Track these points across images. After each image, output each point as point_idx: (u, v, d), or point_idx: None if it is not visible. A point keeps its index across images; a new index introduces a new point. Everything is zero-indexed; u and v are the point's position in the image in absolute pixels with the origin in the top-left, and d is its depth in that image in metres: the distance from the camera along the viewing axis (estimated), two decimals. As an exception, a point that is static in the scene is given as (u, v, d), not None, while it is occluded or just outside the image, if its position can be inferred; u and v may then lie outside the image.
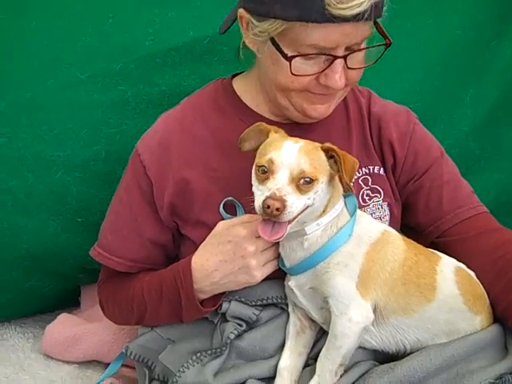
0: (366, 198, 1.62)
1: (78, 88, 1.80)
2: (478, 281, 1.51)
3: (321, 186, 1.35)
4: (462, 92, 2.16)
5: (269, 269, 1.47)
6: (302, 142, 1.36)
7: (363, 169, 1.62)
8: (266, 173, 1.33)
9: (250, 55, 1.59)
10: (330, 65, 1.44)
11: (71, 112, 1.81)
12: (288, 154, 1.33)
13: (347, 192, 1.45)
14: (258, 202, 1.31)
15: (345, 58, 1.44)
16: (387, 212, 1.63)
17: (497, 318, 1.51)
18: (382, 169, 1.64)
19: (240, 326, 1.51)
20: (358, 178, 1.62)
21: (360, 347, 1.45)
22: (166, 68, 1.87)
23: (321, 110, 1.52)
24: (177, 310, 1.52)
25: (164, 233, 1.60)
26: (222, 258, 1.45)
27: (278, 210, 1.28)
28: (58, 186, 1.84)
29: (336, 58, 1.43)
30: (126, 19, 1.82)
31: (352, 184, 1.50)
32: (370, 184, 1.63)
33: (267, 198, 1.29)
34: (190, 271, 1.47)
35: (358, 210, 1.46)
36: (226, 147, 1.57)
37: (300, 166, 1.32)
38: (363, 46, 1.47)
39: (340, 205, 1.43)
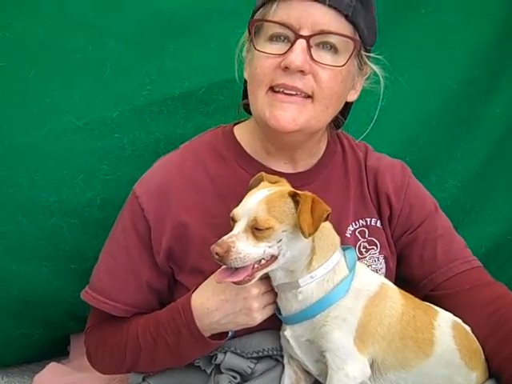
0: (363, 250, 1.68)
1: (75, 135, 1.90)
2: (473, 336, 1.57)
3: (284, 234, 1.40)
4: (454, 146, 2.30)
5: (268, 311, 1.52)
6: (272, 191, 1.43)
7: (360, 221, 1.69)
8: (233, 222, 1.42)
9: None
10: (292, 45, 1.52)
11: (67, 158, 1.90)
12: (250, 203, 1.41)
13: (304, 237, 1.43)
14: None
15: (307, 40, 1.52)
16: (383, 265, 1.70)
17: (491, 372, 1.56)
18: (378, 221, 1.71)
19: (234, 378, 1.55)
20: (355, 229, 1.68)
21: None
22: (162, 116, 1.98)
23: (281, 119, 1.54)
24: (174, 351, 1.56)
25: (160, 278, 1.64)
26: (224, 297, 1.49)
27: (217, 254, 1.36)
28: (52, 232, 1.91)
29: (298, 37, 1.51)
30: (123, 69, 1.94)
31: (349, 235, 1.65)
32: (366, 236, 1.69)
33: (215, 243, 1.38)
34: (190, 309, 1.52)
35: (357, 262, 1.52)
36: (225, 194, 1.62)
37: (256, 213, 1.39)
38: (333, 40, 1.55)
39: (335, 258, 1.48)
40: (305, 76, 1.53)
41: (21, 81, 1.85)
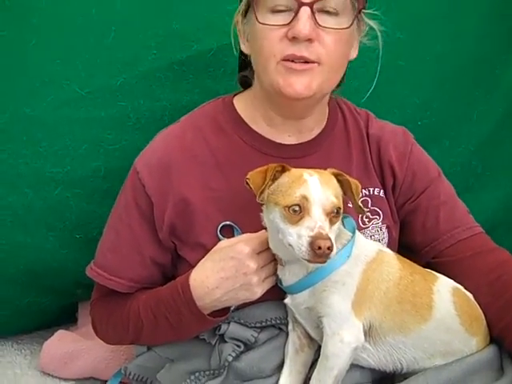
0: (366, 220, 1.73)
1: (78, 104, 1.95)
2: (475, 302, 1.63)
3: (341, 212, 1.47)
4: (470, 109, 2.30)
5: (268, 284, 1.59)
6: (316, 174, 1.46)
7: (363, 190, 1.73)
8: (298, 212, 1.41)
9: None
10: (296, 14, 1.56)
11: (71, 128, 1.97)
12: (315, 189, 1.42)
13: (360, 213, 1.60)
14: (301, 246, 1.39)
15: (311, 6, 1.56)
16: (386, 234, 1.75)
17: (493, 338, 1.63)
18: (381, 191, 1.77)
19: (238, 347, 1.62)
20: (359, 199, 1.72)
21: (358, 367, 1.57)
22: (168, 82, 2.03)
23: (296, 86, 1.59)
24: (175, 328, 1.63)
25: (164, 253, 1.70)
26: (224, 274, 1.55)
27: (329, 248, 1.36)
28: (57, 202, 2.00)
29: (302, 4, 1.55)
30: (128, 32, 1.96)
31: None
32: (369, 206, 1.74)
33: (315, 239, 1.37)
34: (188, 289, 1.57)
35: None
36: (225, 167, 1.68)
37: (329, 198, 1.42)
38: (333, 4, 1.58)
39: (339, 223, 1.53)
40: (312, 44, 1.57)
41: (22, 50, 1.87)
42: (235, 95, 1.80)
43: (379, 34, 1.72)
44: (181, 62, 1.99)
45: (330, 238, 1.37)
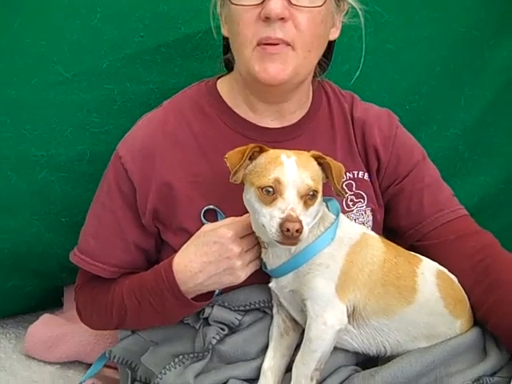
0: (350, 203, 1.75)
1: (63, 87, 1.94)
2: (459, 285, 1.65)
3: (320, 195, 1.48)
4: (458, 93, 2.30)
5: (252, 268, 1.60)
6: (294, 155, 1.47)
7: (347, 174, 1.74)
8: (272, 193, 1.43)
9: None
10: None
11: (55, 111, 1.96)
12: (290, 171, 1.43)
13: (340, 197, 1.58)
14: (271, 227, 1.41)
15: None
16: (370, 217, 1.77)
17: (476, 321, 1.65)
18: (366, 174, 1.78)
19: (222, 330, 1.64)
20: (342, 183, 1.71)
21: (341, 350, 1.59)
22: (155, 65, 2.02)
23: (271, 71, 1.59)
24: (160, 313, 1.64)
25: (147, 238, 1.72)
26: (207, 259, 1.56)
27: (297, 231, 1.37)
28: (42, 186, 1.99)
29: None
30: (115, 13, 1.94)
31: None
32: (354, 189, 1.75)
33: (284, 220, 1.38)
34: (172, 273, 1.58)
35: None
36: (208, 151, 1.69)
37: (304, 181, 1.43)
38: None
39: (322, 205, 1.55)
40: (285, 24, 1.57)
41: (5, 32, 1.86)
42: (219, 78, 1.80)
43: (360, 12, 1.72)
44: (168, 45, 1.98)
45: (300, 221, 1.38)
